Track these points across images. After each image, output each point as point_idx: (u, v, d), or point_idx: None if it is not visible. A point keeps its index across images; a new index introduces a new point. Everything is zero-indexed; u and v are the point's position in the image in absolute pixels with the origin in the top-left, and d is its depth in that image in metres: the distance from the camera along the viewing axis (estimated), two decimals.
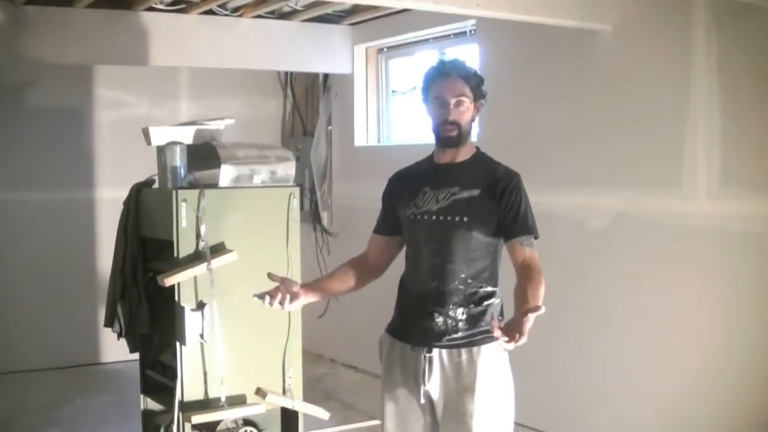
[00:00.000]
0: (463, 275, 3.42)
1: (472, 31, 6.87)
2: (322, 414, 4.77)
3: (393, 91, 8.20)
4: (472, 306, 3.42)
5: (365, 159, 8.12)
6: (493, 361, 3.43)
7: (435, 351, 3.43)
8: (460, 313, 3.41)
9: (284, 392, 4.61)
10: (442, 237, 3.43)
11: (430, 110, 3.52)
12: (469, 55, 6.99)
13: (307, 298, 3.53)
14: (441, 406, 3.47)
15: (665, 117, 5.25)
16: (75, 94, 8.37)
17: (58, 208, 8.28)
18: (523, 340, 2.97)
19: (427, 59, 7.65)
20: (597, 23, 5.50)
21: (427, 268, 3.47)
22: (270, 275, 3.44)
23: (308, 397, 4.77)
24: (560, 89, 5.96)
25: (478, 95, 3.51)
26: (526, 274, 3.31)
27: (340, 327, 8.25)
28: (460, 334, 3.42)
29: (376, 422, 6.47)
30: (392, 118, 8.22)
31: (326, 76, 8.52)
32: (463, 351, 3.42)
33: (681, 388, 5.19)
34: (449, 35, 7.31)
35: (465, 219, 3.41)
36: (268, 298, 3.41)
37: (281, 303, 3.41)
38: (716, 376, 5.01)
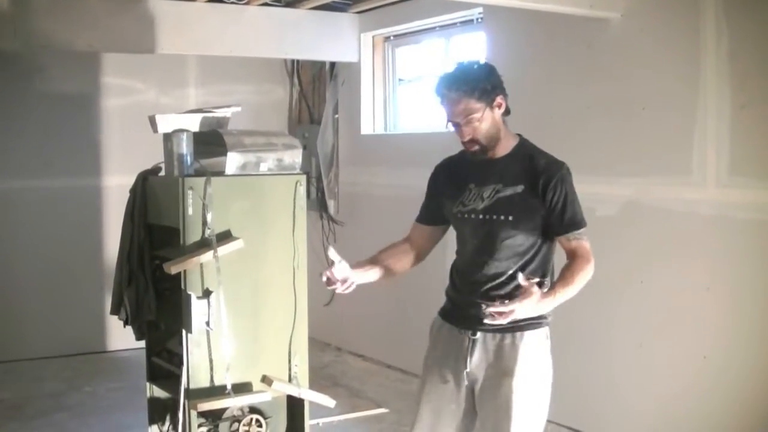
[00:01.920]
0: (510, 271, 3.44)
1: (479, 19, 6.85)
2: (328, 402, 4.76)
3: (400, 80, 8.19)
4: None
5: (372, 147, 8.12)
6: (534, 346, 3.50)
7: (479, 334, 3.48)
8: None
9: (290, 380, 4.61)
10: (487, 235, 3.46)
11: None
12: (476, 44, 6.98)
13: (362, 278, 3.59)
14: (480, 388, 3.52)
15: (674, 105, 5.24)
16: (83, 81, 8.39)
17: (66, 195, 8.31)
18: (506, 310, 3.15)
19: (433, 47, 7.65)
20: (606, 11, 5.48)
21: (475, 262, 3.51)
22: (327, 255, 3.49)
23: (315, 384, 4.76)
24: (568, 77, 5.94)
25: (490, 98, 3.41)
26: (572, 259, 3.41)
27: (347, 315, 8.26)
28: None
29: (383, 410, 6.53)
30: (399, 106, 8.21)
31: (333, 63, 8.52)
32: (507, 335, 3.46)
33: (687, 377, 5.19)
34: (456, 23, 7.29)
35: (510, 218, 3.43)
36: (325, 278, 3.50)
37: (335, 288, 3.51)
38: (723, 365, 5.00)
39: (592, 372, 5.78)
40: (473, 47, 7.09)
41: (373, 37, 8.18)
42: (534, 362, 3.49)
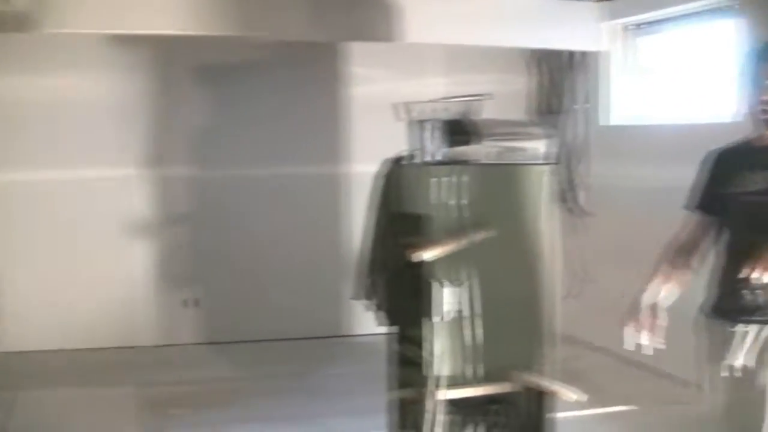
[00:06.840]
0: None
1: (735, 6, 6.53)
2: (579, 396, 4.64)
3: (644, 69, 7.98)
4: None
5: (618, 138, 7.98)
6: None
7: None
8: None
9: (537, 372, 4.56)
10: None
11: (755, 87, 3.41)
12: (728, 32, 6.68)
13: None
14: None
15: None
16: (324, 70, 8.62)
17: (310, 183, 8.62)
18: None
19: (680, 36, 7.42)
20: None
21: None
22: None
23: (557, 378, 4.68)
24: None
25: None
26: None
27: (593, 308, 8.06)
28: None
29: (631, 407, 6.31)
30: (643, 96, 8.01)
31: (573, 53, 8.39)
32: None
33: None
34: (704, 11, 7.00)
35: None
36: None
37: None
38: None
39: None
40: (724, 36, 6.79)
41: (614, 25, 8.01)
42: None
